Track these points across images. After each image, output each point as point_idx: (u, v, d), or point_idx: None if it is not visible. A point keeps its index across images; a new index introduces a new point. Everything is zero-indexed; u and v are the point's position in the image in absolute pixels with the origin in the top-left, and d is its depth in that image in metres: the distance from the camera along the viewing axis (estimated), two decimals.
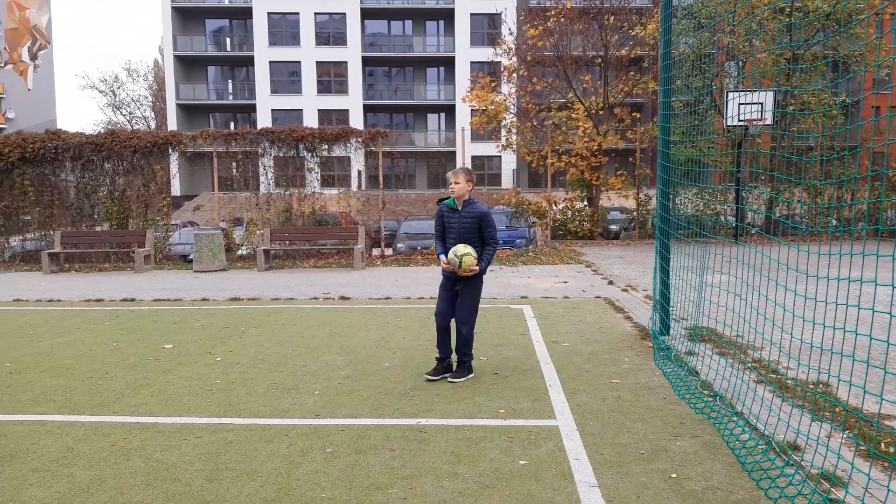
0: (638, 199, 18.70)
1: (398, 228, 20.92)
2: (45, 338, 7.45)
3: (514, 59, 20.84)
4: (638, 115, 20.60)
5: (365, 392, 5.20)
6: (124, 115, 52.06)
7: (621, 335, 7.13)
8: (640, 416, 4.56)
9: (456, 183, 5.43)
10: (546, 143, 18.86)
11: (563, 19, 19.15)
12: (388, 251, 17.74)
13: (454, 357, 5.59)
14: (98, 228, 17.25)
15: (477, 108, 20.25)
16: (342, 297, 9.95)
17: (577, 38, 19.77)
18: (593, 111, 19.17)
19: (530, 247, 17.08)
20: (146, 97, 54.63)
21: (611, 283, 10.96)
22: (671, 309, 6.56)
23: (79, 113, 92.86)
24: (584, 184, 18.84)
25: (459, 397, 5.03)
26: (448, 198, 5.58)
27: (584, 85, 20.00)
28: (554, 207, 19.06)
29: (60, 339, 7.40)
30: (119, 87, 50.63)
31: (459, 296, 5.47)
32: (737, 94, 15.54)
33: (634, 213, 19.23)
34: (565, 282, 11.10)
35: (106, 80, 52.60)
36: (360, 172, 19.80)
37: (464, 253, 5.29)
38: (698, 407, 4.65)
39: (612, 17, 18.91)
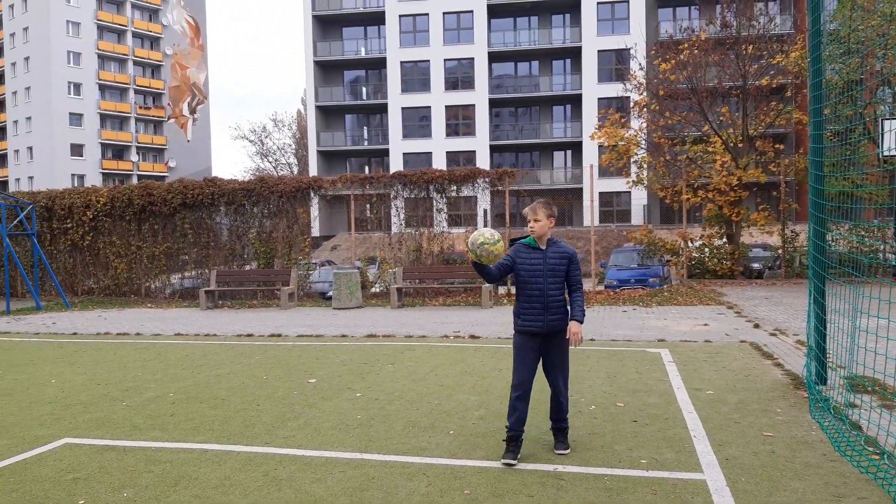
0: (784, 236, 17.49)
1: None
2: (202, 370, 8.11)
3: (645, 93, 20.42)
4: (781, 147, 19.42)
5: (500, 434, 5.18)
6: (270, 162, 56.27)
7: (772, 383, 6.64)
8: (797, 473, 4.21)
9: (536, 221, 4.64)
10: (680, 178, 18.21)
11: (696, 51, 18.58)
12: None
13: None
14: (247, 267, 18.63)
15: (606, 144, 19.96)
16: (472, 336, 10.04)
17: (712, 70, 19.07)
18: (731, 144, 18.30)
19: (664, 286, 16.42)
20: (290, 145, 58.78)
21: (757, 326, 10.28)
22: (828, 356, 6.04)
23: (231, 161, 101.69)
24: (723, 220, 17.91)
25: (597, 445, 4.89)
26: (525, 236, 4.80)
27: (721, 117, 19.19)
28: (690, 245, 18.25)
29: (216, 371, 8.01)
30: (266, 137, 54.91)
31: (550, 357, 4.71)
32: (893, 122, 14.25)
33: (780, 251, 17.98)
34: (706, 324, 10.54)
35: (255, 131, 57.25)
36: (485, 211, 20.08)
37: (485, 241, 4.36)
38: (863, 465, 4.22)
39: (750, 47, 18.10)
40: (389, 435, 5.25)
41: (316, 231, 28.98)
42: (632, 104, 20.97)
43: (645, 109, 20.07)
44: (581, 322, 4.62)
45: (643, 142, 20.05)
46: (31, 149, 62.37)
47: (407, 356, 8.61)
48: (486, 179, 17.69)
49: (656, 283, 17.37)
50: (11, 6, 63.83)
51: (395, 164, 43.73)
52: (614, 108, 25.16)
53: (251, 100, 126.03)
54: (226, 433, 5.39)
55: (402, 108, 45.65)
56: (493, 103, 45.18)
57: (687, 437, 5.01)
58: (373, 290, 17.67)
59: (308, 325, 11.67)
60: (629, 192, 38.98)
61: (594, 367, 7.56)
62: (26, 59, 62.50)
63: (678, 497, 3.89)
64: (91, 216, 19.18)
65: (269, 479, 4.34)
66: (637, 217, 39.66)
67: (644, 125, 20.77)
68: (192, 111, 60.94)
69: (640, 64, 21.97)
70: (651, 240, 18.54)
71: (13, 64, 64.14)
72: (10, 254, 16.92)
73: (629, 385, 6.70)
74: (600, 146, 26.18)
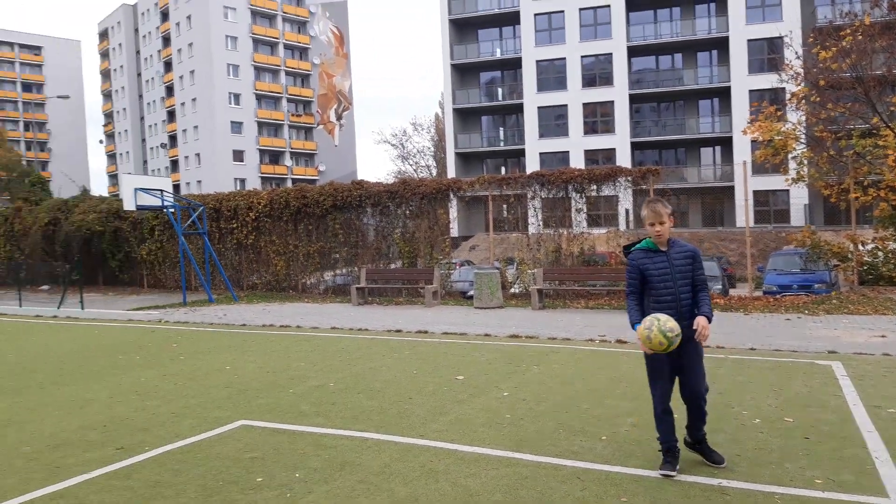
0: None
1: None
2: (358, 362, 8.55)
3: (803, 84, 18.85)
4: None
5: (655, 443, 5.00)
6: (411, 165, 58.08)
7: None
8: None
9: (661, 223, 4.36)
10: (847, 175, 16.64)
11: (860, 37, 16.87)
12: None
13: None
14: (392, 265, 19.37)
15: (760, 139, 18.65)
16: (619, 341, 9.79)
17: (879, 57, 17.24)
18: None
19: (833, 293, 15.08)
20: (429, 147, 60.37)
21: None
22: None
23: (374, 164, 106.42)
24: None
25: (764, 461, 4.61)
26: (638, 242, 4.53)
27: (892, 108, 17.30)
28: (860, 248, 16.63)
29: (370, 364, 8.42)
30: (406, 140, 56.72)
31: (686, 362, 4.41)
32: None
33: None
34: (883, 336, 9.57)
35: (396, 135, 59.34)
36: (627, 211, 19.45)
37: (668, 330, 4.13)
38: None
39: None
40: (540, 436, 5.25)
41: (454, 231, 29.61)
42: (788, 96, 19.44)
43: (804, 101, 18.52)
44: (710, 320, 4.33)
45: (802, 136, 18.52)
46: (198, 155, 68.68)
47: (552, 358, 8.56)
48: (629, 178, 17.15)
49: (822, 290, 15.99)
50: (178, 24, 70.67)
51: (532, 165, 43.54)
52: (767, 101, 23.42)
53: (393, 104, 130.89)
54: (383, 423, 5.66)
55: (539, 108, 45.34)
56: (634, 99, 43.69)
57: (867, 458, 4.59)
58: (511, 290, 17.72)
59: (452, 323, 11.94)
60: (787, 190, 36.20)
61: (756, 379, 7.11)
62: (191, 72, 68.93)
63: None
64: (253, 217, 20.78)
65: (426, 471, 4.50)
66: (797, 217, 36.74)
67: (803, 118, 19.18)
68: (339, 117, 64.36)
69: (796, 53, 20.31)
70: (815, 242, 17.09)
71: (181, 77, 70.99)
72: (185, 251, 18.73)
73: (798, 399, 6.23)
74: (753, 141, 24.50)
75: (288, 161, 71.03)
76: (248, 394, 6.89)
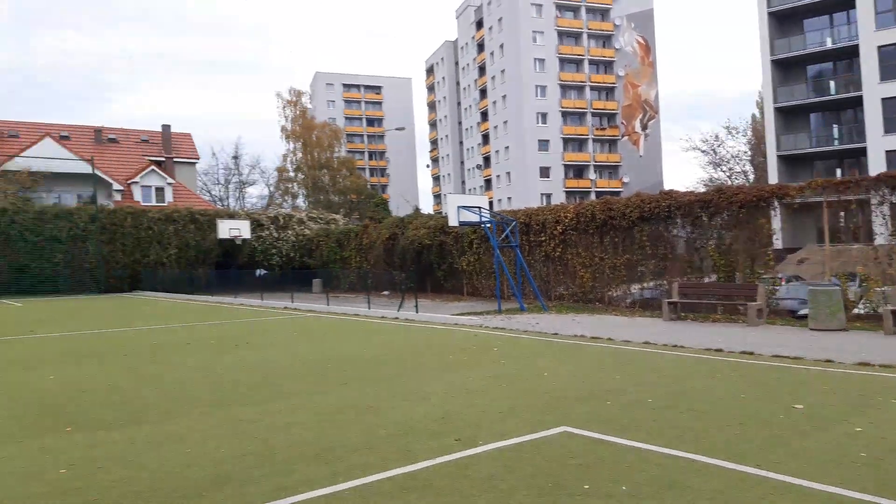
0: None
1: None
2: (676, 380, 8.19)
3: None
4: None
5: None
6: (724, 171, 54.05)
7: None
8: None
9: None
10: None
11: None
12: None
13: None
14: (705, 279, 18.18)
15: None
16: None
17: None
18: None
19: None
20: (745, 152, 55.55)
21: None
22: None
23: (681, 173, 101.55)
24: None
25: None
26: None
27: None
28: None
29: (690, 383, 8.00)
30: (719, 146, 52.87)
31: None
32: None
33: None
34: None
35: (706, 140, 55.75)
36: None
37: None
38: None
39: None
40: None
41: (778, 243, 26.67)
42: None
43: None
44: None
45: None
46: (508, 174, 73.16)
47: None
48: None
49: None
50: (492, 53, 76.18)
51: (876, 165, 37.11)
52: None
53: (702, 109, 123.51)
54: (710, 447, 5.33)
55: (882, 100, 38.54)
56: None
57: None
58: (854, 310, 15.29)
59: (782, 345, 10.75)
60: None
61: None
62: (503, 97, 73.78)
63: None
64: (560, 230, 21.37)
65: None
66: None
67: None
68: (644, 127, 62.86)
69: None
70: None
71: (494, 103, 76.46)
72: (500, 263, 20.05)
73: None
74: None
75: (592, 174, 71.61)
76: (566, 401, 7.07)
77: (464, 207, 19.44)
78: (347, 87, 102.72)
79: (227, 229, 33.37)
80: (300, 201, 58.22)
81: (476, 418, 6.40)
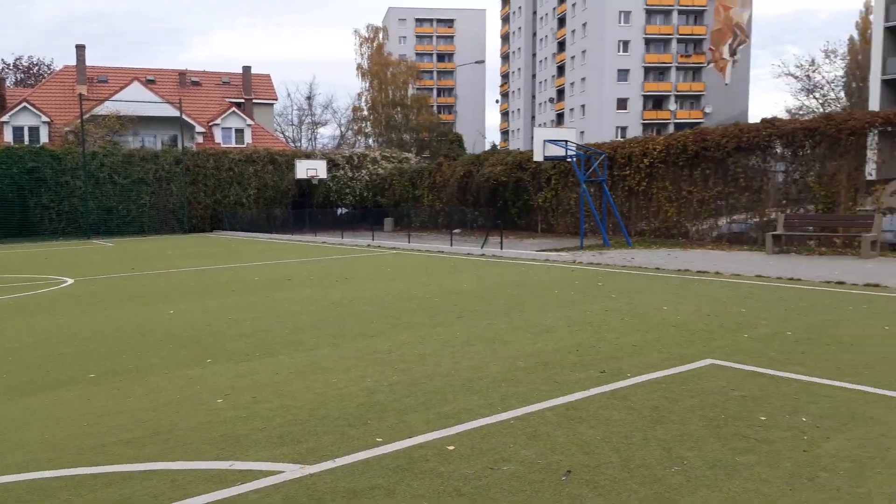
0: None
1: None
2: (808, 313, 7.83)
3: None
4: None
5: None
6: (816, 99, 50.76)
7: None
8: None
9: None
10: None
11: None
12: None
13: None
14: (800, 211, 17.30)
15: None
16: None
17: None
18: None
19: None
20: (840, 77, 51.87)
21: None
22: None
23: (769, 102, 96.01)
24: None
25: None
26: None
27: None
28: None
29: (824, 316, 7.65)
30: (815, 71, 49.46)
31: None
32: None
33: None
34: None
35: (801, 66, 52.19)
36: None
37: None
38: None
39: None
40: None
41: (873, 174, 25.06)
42: None
43: None
44: None
45: None
46: (583, 107, 70.95)
47: None
48: None
49: None
50: None
51: None
52: None
53: (790, 32, 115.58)
54: (878, 379, 5.07)
55: None
56: None
57: None
58: None
59: None
60: None
61: None
62: (583, 25, 70.82)
63: None
64: (647, 163, 20.62)
65: None
66: None
67: None
68: (733, 53, 59.29)
69: None
70: None
71: (573, 31, 73.55)
72: (586, 198, 19.57)
73: None
74: None
75: (672, 105, 68.66)
76: (698, 334, 6.86)
77: (550, 141, 18.93)
78: (420, 21, 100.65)
79: (304, 169, 33.77)
80: (371, 141, 58.29)
81: (612, 351, 6.28)
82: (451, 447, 4.01)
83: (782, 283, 10.27)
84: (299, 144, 58.80)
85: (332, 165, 35.89)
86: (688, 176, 19.68)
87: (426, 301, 9.72)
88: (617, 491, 3.36)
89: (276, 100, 48.08)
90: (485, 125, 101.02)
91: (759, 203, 18.13)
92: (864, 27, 53.76)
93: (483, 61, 51.16)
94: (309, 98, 60.82)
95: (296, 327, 8.00)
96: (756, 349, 6.13)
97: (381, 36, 62.36)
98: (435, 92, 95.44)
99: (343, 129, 61.48)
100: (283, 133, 58.99)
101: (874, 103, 39.17)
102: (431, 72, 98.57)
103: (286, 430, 4.41)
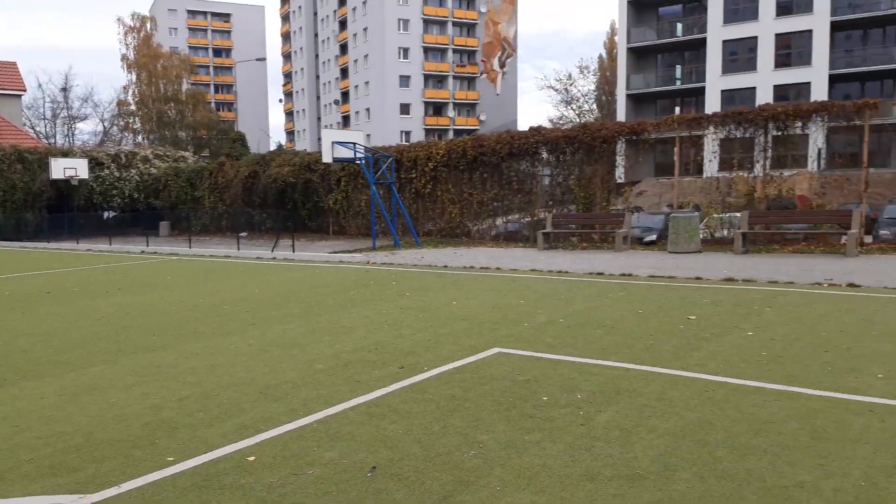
0: None
1: (879, 213, 18.42)
2: (575, 301, 8.75)
3: None
4: None
5: None
6: (573, 110, 56.70)
7: None
8: None
9: None
10: None
11: None
12: (867, 238, 15.63)
13: None
14: (565, 211, 19.32)
15: None
16: (851, 284, 9.18)
17: None
18: None
19: None
20: (593, 91, 58.50)
21: None
22: None
23: (534, 112, 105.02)
24: None
25: None
26: None
27: None
28: None
29: (589, 304, 8.59)
30: (572, 85, 55.21)
31: None
32: None
33: None
34: None
35: (560, 80, 57.93)
36: (820, 151, 17.96)
37: None
38: None
39: None
40: (807, 373, 5.15)
41: (621, 177, 28.77)
42: None
43: None
44: None
45: None
46: (368, 110, 71.80)
47: (782, 301, 8.23)
48: (838, 113, 15.68)
49: None
50: None
51: (712, 104, 40.76)
52: None
53: (554, 49, 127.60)
54: (635, 357, 5.81)
55: (724, 42, 42.07)
56: (836, 26, 39.10)
57: None
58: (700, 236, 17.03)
59: (653, 267, 11.78)
60: None
61: None
62: (364, 29, 71.63)
63: None
64: (432, 167, 21.52)
65: (706, 399, 4.61)
66: None
67: None
68: (502, 65, 63.77)
69: None
70: None
71: (354, 35, 74.09)
72: (377, 199, 19.88)
73: None
74: None
75: (451, 112, 72.17)
76: (486, 326, 7.34)
77: (338, 143, 18.93)
78: (193, 13, 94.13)
79: (61, 169, 29.95)
80: (142, 138, 53.49)
81: (409, 347, 6.47)
82: (252, 458, 3.87)
83: (553, 276, 11.35)
84: (53, 141, 52.13)
85: (96, 164, 32.30)
86: (468, 179, 20.85)
87: (215, 309, 9.21)
88: (421, 480, 3.49)
89: (25, 91, 42.11)
90: (269, 124, 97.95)
91: (530, 204, 19.83)
92: (610, 47, 61.20)
93: (264, 59, 49.40)
94: (64, 90, 54.11)
95: (63, 345, 7.11)
96: (535, 336, 6.73)
97: (148, 26, 57.54)
98: (212, 88, 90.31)
99: (107, 124, 55.65)
100: (33, 128, 51.86)
101: (621, 115, 44.86)
102: (208, 67, 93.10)
103: (59, 459, 3.92)
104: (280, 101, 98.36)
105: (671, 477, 3.42)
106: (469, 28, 73.87)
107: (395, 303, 9.17)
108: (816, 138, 17.39)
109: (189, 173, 31.71)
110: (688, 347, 6.06)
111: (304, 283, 11.81)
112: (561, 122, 54.28)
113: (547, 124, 49.03)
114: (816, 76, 39.01)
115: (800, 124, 16.22)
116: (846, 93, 38.57)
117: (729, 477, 3.39)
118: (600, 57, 62.67)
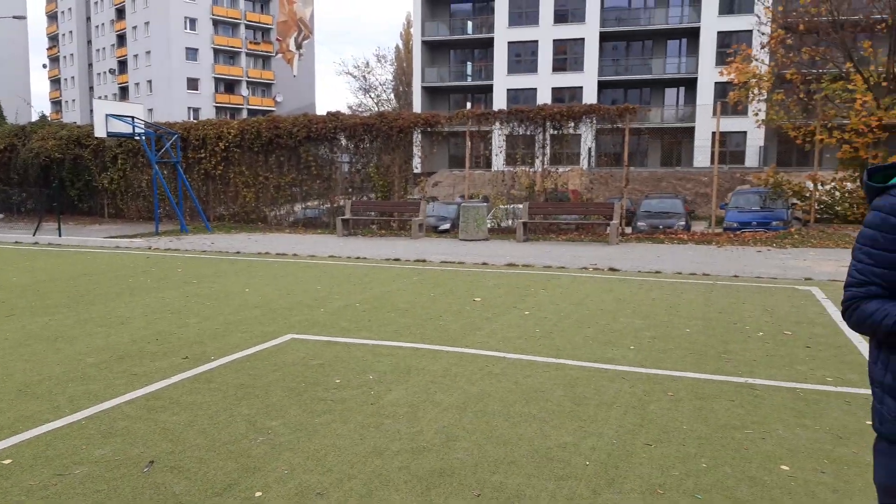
0: None
1: (637, 207, 21.08)
2: (371, 286, 8.91)
3: (778, 28, 19.36)
4: None
5: (678, 352, 5.61)
6: (372, 98, 57.09)
7: None
8: None
9: None
10: (814, 118, 17.43)
11: None
12: (628, 229, 17.82)
13: None
14: (363, 199, 19.53)
15: (736, 81, 19.20)
16: (611, 269, 10.40)
17: (860, 0, 17.79)
18: (874, 82, 17.25)
19: (792, 229, 16.06)
20: (390, 81, 59.30)
21: None
22: None
23: (333, 96, 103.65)
24: (859, 162, 17.12)
25: (778, 364, 5.24)
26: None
27: (863, 52, 18.02)
28: (819, 187, 17.60)
29: (384, 288, 8.79)
30: (369, 73, 55.44)
31: None
32: None
33: None
34: None
35: (358, 67, 57.91)
36: (590, 150, 20.05)
37: None
38: None
39: None
40: (573, 346, 5.78)
41: (418, 167, 29.76)
42: (766, 38, 19.92)
43: (780, 44, 19.07)
44: None
45: (776, 79, 19.14)
46: (150, 82, 65.82)
47: (555, 283, 9.10)
48: (605, 116, 17.60)
49: (779, 227, 16.98)
50: None
51: (499, 101, 43.41)
52: (739, 43, 23.93)
53: (353, 35, 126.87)
54: (425, 337, 6.09)
55: (509, 43, 44.92)
56: (605, 37, 43.67)
57: (865, 362, 5.26)
58: (488, 225, 18.17)
59: (445, 254, 12.35)
60: (743, 132, 37.35)
61: (748, 300, 7.81)
62: None
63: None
64: (223, 147, 20.42)
65: (486, 373, 4.98)
66: (752, 159, 38.00)
67: (773, 61, 19.78)
68: (299, 46, 61.99)
69: None
70: (777, 181, 17.99)
71: (133, 0, 67.26)
72: (160, 180, 18.42)
73: (789, 317, 6.92)
74: (724, 83, 25.00)
75: (244, 91, 68.78)
76: (280, 312, 7.20)
77: (114, 116, 17.21)
78: None
79: None
80: None
81: (195, 336, 6.14)
82: (8, 461, 3.45)
83: (351, 262, 11.44)
84: None
85: None
86: (264, 162, 20.11)
87: None
88: (203, 471, 3.37)
89: None
90: (30, 92, 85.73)
91: (330, 190, 19.66)
92: (406, 38, 62.38)
93: (24, 17, 43.28)
94: None
95: None
96: (331, 321, 6.75)
97: None
98: None
99: None
100: None
101: (417, 106, 46.09)
102: None
103: None
104: (44, 66, 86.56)
105: (453, 446, 3.66)
106: (263, 4, 70.82)
107: (179, 290, 8.63)
108: (587, 138, 19.30)
109: None
110: (472, 327, 6.49)
111: (74, 269, 10.63)
112: (360, 109, 54.45)
113: (346, 110, 48.94)
114: (588, 81, 43.33)
115: (572, 125, 17.89)
116: (613, 98, 43.38)
117: (504, 442, 3.72)
118: (397, 47, 63.67)
